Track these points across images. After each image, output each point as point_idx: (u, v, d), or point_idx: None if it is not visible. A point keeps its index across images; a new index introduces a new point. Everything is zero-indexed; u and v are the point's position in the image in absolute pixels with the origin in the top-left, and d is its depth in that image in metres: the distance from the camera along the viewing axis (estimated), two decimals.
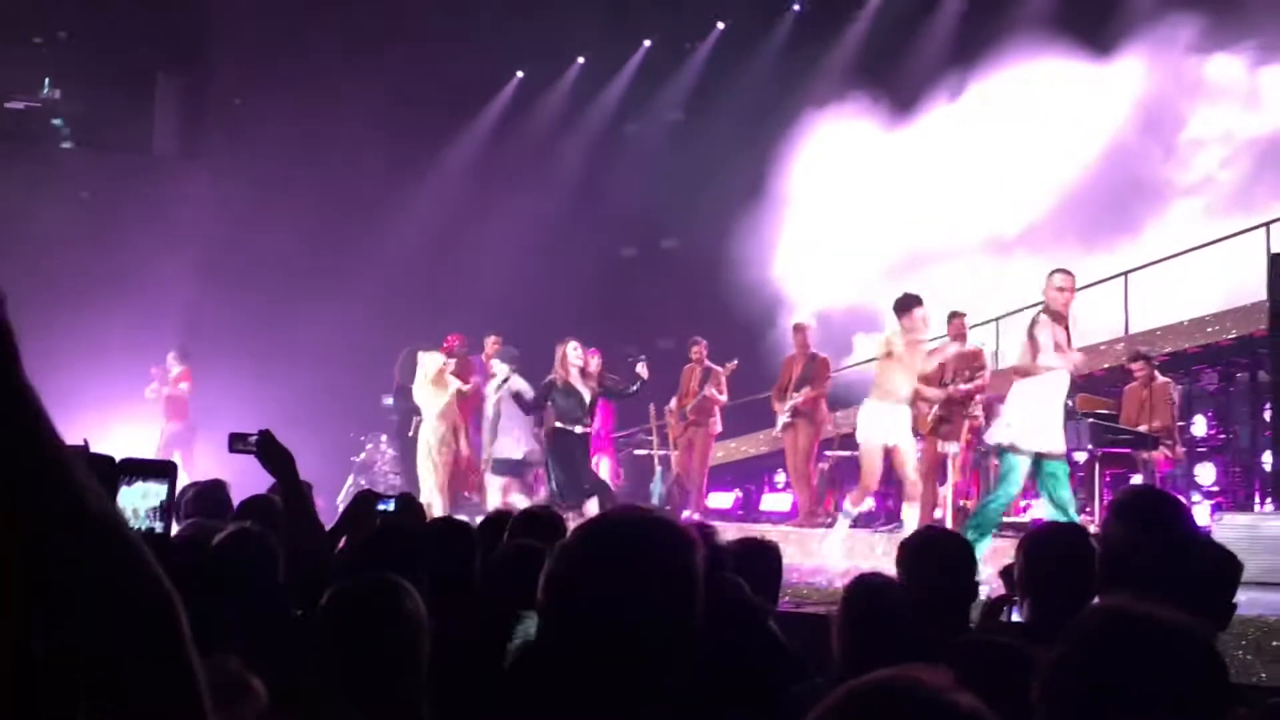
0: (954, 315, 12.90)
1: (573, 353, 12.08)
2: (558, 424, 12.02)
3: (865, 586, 3.96)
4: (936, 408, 12.55)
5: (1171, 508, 3.95)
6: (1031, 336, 9.24)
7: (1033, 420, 9.25)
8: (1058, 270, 9.47)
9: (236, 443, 4.73)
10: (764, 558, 4.95)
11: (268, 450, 4.63)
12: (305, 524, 4.55)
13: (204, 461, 14.07)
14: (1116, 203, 15.61)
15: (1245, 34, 15.40)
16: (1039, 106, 16.45)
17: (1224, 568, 3.86)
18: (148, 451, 14.43)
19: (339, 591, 3.25)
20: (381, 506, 5.46)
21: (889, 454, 10.75)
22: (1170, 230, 14.93)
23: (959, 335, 12.65)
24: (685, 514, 13.43)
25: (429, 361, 13.22)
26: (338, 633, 3.17)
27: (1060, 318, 9.24)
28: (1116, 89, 16.16)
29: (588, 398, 12.11)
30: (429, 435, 13.35)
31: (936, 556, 4.31)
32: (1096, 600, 3.42)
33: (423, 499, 13.23)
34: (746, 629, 4.07)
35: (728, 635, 3.65)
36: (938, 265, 16.36)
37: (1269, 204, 14.04)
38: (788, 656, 4.19)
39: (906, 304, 10.66)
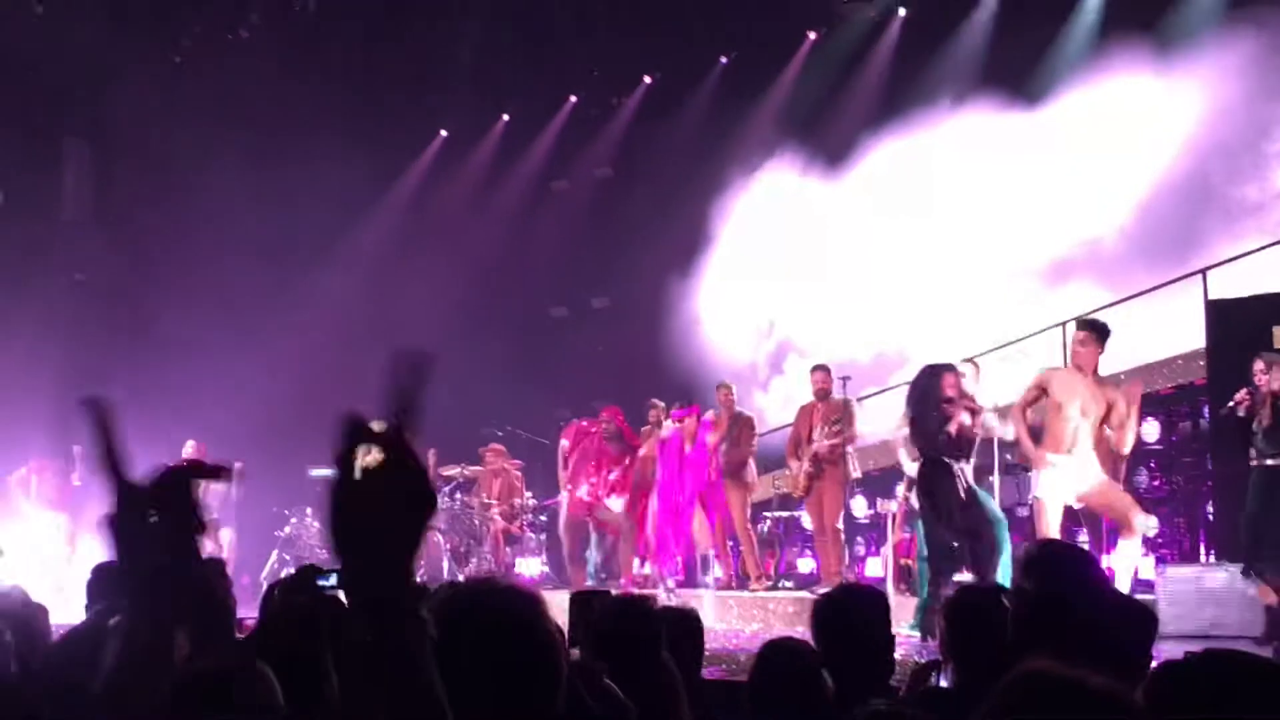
0: (817, 368, 13.22)
1: None
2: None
3: (774, 652, 4.02)
4: (806, 464, 12.65)
5: (1079, 562, 3.86)
6: None
7: None
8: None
9: None
10: (684, 627, 4.73)
11: None
12: (208, 605, 4.39)
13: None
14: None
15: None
16: (974, 152, 16.40)
17: (1138, 622, 3.73)
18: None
19: (179, 684, 3.01)
20: (322, 582, 5.10)
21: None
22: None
23: (821, 389, 12.91)
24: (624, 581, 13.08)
25: None
26: None
27: None
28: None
29: None
30: None
31: (847, 613, 4.20)
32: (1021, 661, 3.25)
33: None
34: None
35: None
36: (895, 315, 16.43)
37: None
38: None
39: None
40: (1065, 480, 9.65)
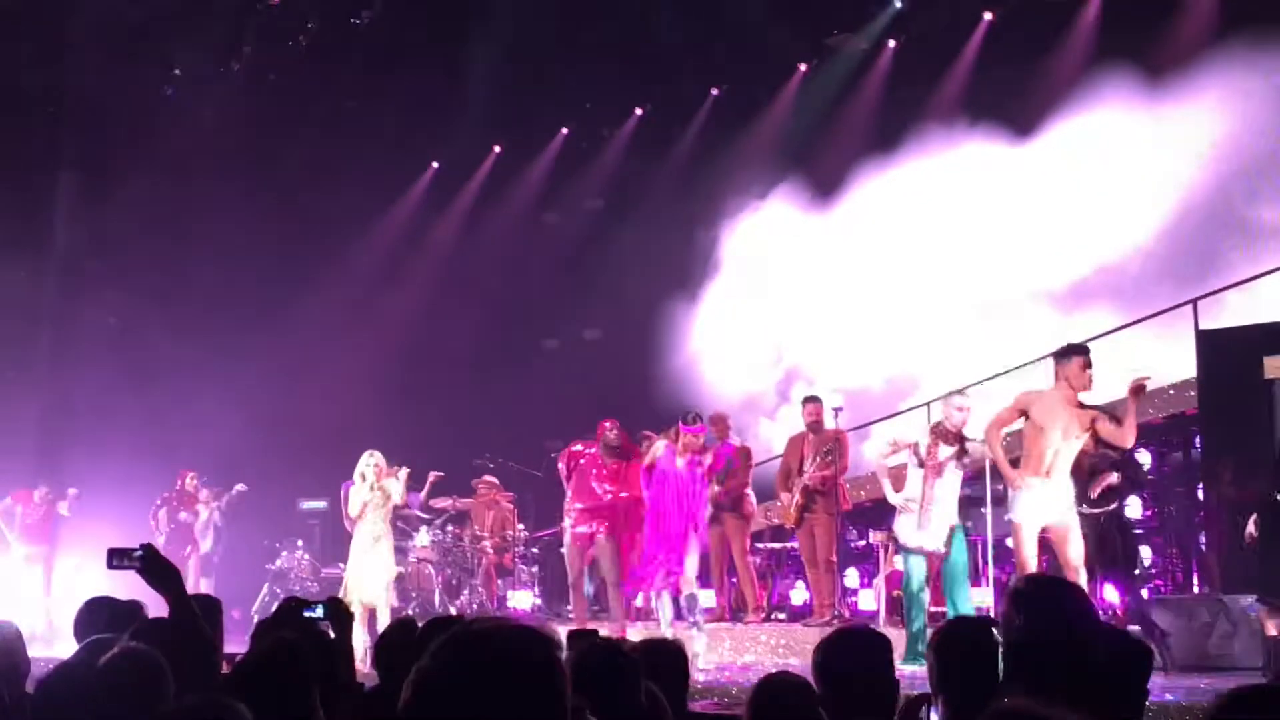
0: (808, 400, 13.11)
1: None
2: None
3: (772, 687, 3.96)
4: (797, 495, 12.59)
5: (1069, 595, 3.84)
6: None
7: None
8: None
9: (116, 558, 4.43)
10: (668, 658, 4.69)
11: (153, 566, 4.37)
12: (197, 642, 4.35)
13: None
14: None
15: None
16: (965, 185, 16.48)
17: (1132, 656, 3.69)
18: None
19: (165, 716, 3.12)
20: (308, 614, 5.07)
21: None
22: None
23: (814, 420, 12.79)
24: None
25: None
26: None
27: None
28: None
29: None
30: None
31: (853, 653, 4.13)
32: (1005, 699, 3.20)
33: None
34: None
35: None
36: (905, 341, 16.50)
37: None
38: None
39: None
40: (1040, 503, 9.68)
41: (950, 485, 10.43)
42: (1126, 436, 9.56)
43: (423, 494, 13.46)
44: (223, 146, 18.22)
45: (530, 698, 2.03)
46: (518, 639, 2.09)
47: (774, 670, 4.26)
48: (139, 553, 4.44)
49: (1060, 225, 15.83)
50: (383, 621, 11.34)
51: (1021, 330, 15.11)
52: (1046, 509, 9.69)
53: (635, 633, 10.47)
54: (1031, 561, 9.62)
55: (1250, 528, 9.96)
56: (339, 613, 5.24)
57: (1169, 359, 13.07)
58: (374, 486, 12.21)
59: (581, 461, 11.98)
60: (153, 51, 18.41)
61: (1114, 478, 10.65)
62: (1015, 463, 9.95)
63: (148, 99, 18.65)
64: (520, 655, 2.06)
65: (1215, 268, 13.92)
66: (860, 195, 17.33)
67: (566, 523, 12.06)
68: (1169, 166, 15.16)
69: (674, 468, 11.45)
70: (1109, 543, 10.61)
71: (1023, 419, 9.81)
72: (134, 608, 5.55)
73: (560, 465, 12.23)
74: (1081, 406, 9.67)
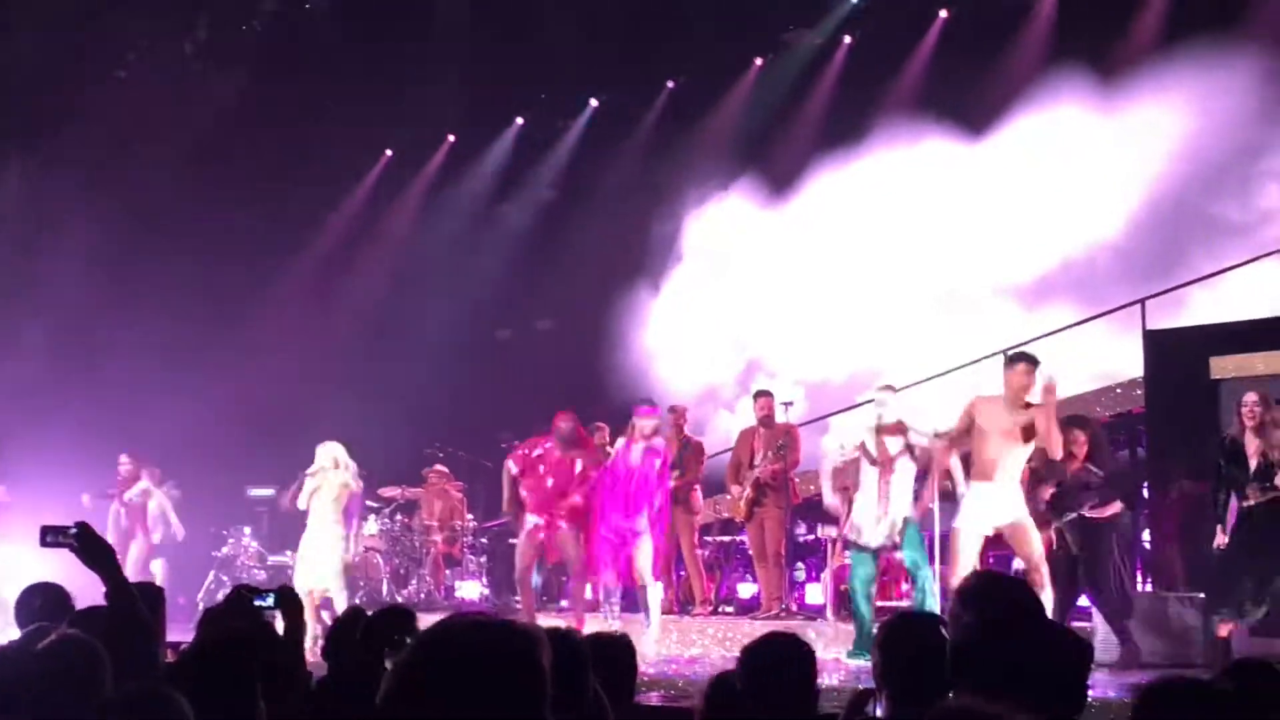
0: (760, 394, 13.19)
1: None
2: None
3: (726, 683, 4.00)
4: (748, 489, 12.65)
5: (1016, 592, 3.87)
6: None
7: None
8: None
9: (50, 535, 4.32)
10: (615, 651, 4.68)
11: (88, 545, 4.28)
12: (133, 624, 4.30)
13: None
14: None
15: None
16: (921, 183, 16.56)
17: (1074, 654, 3.69)
18: None
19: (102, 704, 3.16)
20: (259, 602, 5.00)
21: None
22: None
23: (765, 415, 12.87)
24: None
25: None
26: None
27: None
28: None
29: None
30: None
31: (771, 657, 4.16)
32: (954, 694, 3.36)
33: None
34: None
35: None
36: (850, 337, 16.53)
37: None
38: None
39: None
40: (986, 509, 9.73)
41: (902, 479, 10.46)
42: (1051, 441, 9.65)
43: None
44: (175, 133, 18.06)
45: (512, 693, 2.03)
46: (501, 634, 2.08)
47: (720, 663, 4.26)
48: (73, 530, 4.33)
49: (1021, 221, 15.95)
50: (340, 609, 11.27)
51: (984, 324, 15.20)
52: (993, 514, 9.74)
53: (587, 624, 10.45)
54: (969, 568, 9.62)
55: (1219, 535, 9.97)
56: (290, 601, 5.17)
57: (1124, 356, 13.17)
58: (317, 475, 12.16)
59: (542, 450, 11.83)
60: (107, 33, 18.22)
61: (1117, 505, 10.68)
62: (966, 459, 10.04)
63: (103, 83, 18.46)
64: (504, 651, 2.05)
65: (1178, 265, 14.04)
66: (819, 189, 17.36)
67: (528, 517, 11.88)
68: (1129, 165, 15.29)
69: (627, 460, 11.42)
70: (1103, 555, 10.57)
71: (973, 423, 9.89)
72: (61, 594, 5.48)
73: (510, 461, 11.98)
74: (1026, 408, 9.73)
